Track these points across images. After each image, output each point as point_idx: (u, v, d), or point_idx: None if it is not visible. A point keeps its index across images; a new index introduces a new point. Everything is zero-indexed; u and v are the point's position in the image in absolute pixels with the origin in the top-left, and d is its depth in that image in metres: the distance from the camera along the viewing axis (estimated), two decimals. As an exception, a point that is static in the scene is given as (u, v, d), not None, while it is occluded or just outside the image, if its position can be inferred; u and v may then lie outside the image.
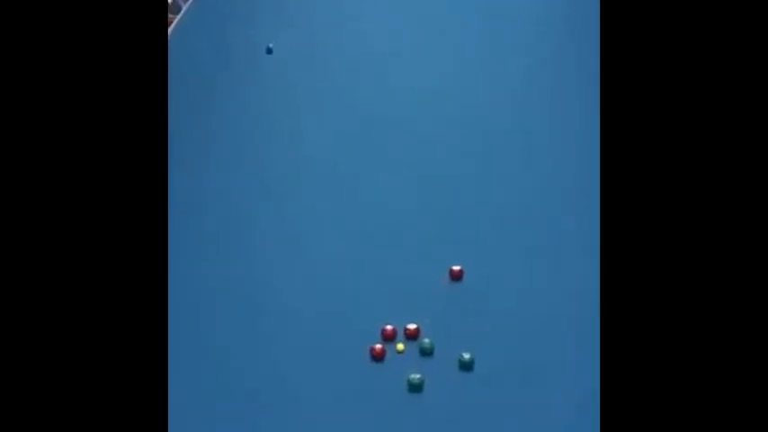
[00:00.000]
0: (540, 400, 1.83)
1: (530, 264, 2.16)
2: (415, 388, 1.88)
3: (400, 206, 2.36)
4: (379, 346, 1.97)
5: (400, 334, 2.01)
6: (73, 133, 1.38)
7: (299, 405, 1.85)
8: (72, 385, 1.34)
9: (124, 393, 1.35)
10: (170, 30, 2.97)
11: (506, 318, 2.02)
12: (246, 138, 2.60)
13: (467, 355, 1.93)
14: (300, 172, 2.47)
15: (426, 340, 1.97)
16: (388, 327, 2.00)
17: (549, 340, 1.95)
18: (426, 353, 1.96)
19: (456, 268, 2.13)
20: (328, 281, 2.14)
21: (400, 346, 1.98)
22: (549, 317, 2.01)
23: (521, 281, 2.12)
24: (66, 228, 1.37)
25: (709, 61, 1.39)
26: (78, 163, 1.38)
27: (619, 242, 1.39)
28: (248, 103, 2.76)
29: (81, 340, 1.35)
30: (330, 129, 2.64)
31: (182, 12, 3.03)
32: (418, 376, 1.90)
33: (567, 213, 2.31)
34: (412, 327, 2.01)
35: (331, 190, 2.41)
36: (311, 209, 2.35)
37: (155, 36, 1.42)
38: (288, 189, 2.41)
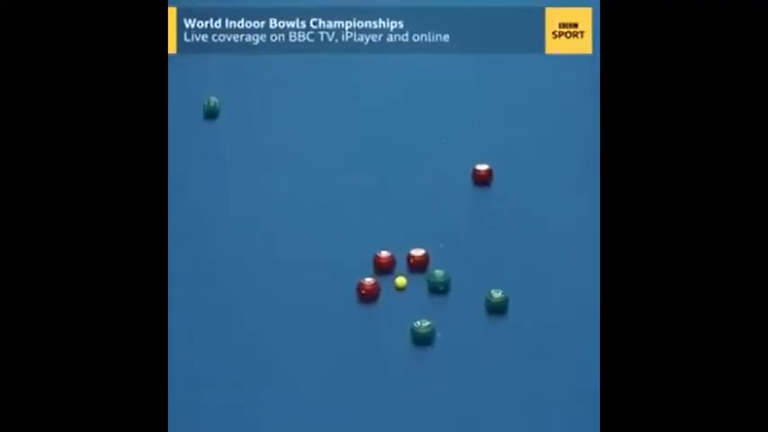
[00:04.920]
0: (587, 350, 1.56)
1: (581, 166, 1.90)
2: (423, 339, 1.57)
3: (402, 93, 2.16)
4: (369, 280, 1.66)
5: (401, 263, 1.72)
6: (74, 119, 1.41)
7: (268, 363, 1.57)
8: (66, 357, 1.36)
9: (124, 336, 1.40)
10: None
11: (553, 238, 1.80)
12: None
13: (497, 294, 1.64)
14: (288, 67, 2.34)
15: (438, 272, 1.68)
16: (383, 253, 1.72)
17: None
18: (438, 290, 1.66)
19: (482, 168, 1.88)
20: (304, 190, 1.91)
21: (401, 281, 1.68)
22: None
23: (569, 186, 1.88)
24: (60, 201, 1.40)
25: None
26: (80, 152, 1.41)
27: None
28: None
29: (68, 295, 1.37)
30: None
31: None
32: (426, 324, 1.59)
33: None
34: (417, 253, 1.72)
35: (317, 76, 2.26)
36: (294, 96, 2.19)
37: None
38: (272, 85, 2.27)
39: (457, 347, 1.60)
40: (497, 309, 1.62)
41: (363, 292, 1.66)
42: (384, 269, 1.72)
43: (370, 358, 1.60)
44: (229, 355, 1.65)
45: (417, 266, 1.72)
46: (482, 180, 1.87)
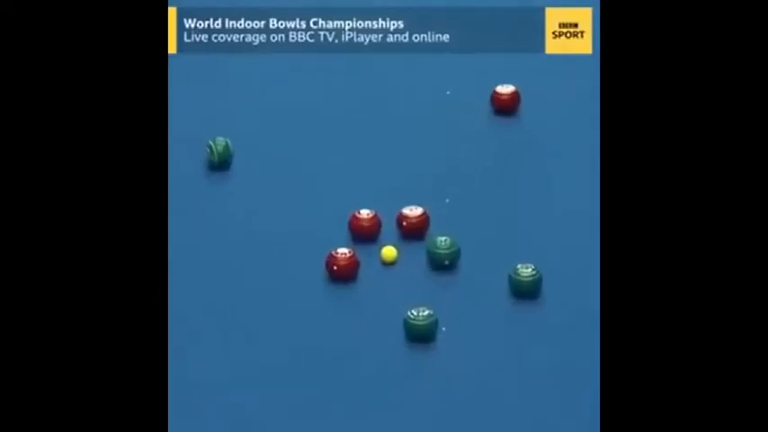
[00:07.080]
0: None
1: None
2: (421, 334, 1.22)
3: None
4: (344, 252, 1.28)
5: (389, 228, 1.40)
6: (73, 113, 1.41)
7: (238, 358, 1.29)
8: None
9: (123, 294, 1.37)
10: None
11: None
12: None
13: (526, 270, 1.30)
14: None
15: (442, 239, 1.35)
16: (365, 212, 1.36)
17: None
18: (442, 264, 1.32)
19: (505, 91, 1.48)
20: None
21: (389, 252, 1.32)
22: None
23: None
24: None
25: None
26: (80, 152, 1.41)
27: None
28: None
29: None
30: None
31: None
32: (426, 313, 1.25)
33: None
34: (413, 213, 1.36)
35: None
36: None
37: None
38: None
39: (467, 344, 1.29)
40: (526, 290, 1.25)
41: (335, 267, 1.28)
42: (365, 235, 1.36)
43: (351, 358, 1.28)
44: (212, 350, 1.44)
45: (412, 231, 1.33)
46: (505, 106, 1.47)
